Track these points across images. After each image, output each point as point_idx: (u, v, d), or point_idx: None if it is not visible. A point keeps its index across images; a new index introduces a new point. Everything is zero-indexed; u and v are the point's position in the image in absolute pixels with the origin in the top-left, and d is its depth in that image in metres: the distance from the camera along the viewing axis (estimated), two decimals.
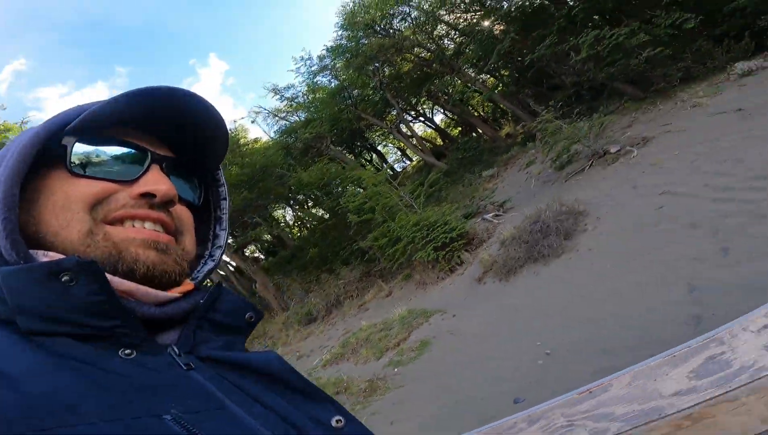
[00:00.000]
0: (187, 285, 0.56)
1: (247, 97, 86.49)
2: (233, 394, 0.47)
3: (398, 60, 20.45)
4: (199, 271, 0.63)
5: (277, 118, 23.02)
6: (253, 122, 23.61)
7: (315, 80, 22.07)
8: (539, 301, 6.26)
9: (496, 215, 10.47)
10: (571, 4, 14.35)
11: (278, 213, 22.04)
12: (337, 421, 0.51)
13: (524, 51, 15.18)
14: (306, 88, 22.69)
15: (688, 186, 6.26)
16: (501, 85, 21.83)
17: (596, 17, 14.84)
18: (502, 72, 21.12)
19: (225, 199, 0.67)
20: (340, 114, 21.57)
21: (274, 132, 24.31)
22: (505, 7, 15.97)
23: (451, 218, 9.87)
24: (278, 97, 22.82)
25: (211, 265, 0.64)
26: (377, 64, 19.75)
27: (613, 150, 9.65)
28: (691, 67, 12.25)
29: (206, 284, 0.63)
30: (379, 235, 11.27)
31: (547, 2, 15.28)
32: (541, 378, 4.52)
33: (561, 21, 13.83)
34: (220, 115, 0.57)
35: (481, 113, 26.22)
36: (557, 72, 16.03)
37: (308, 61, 21.45)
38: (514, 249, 7.79)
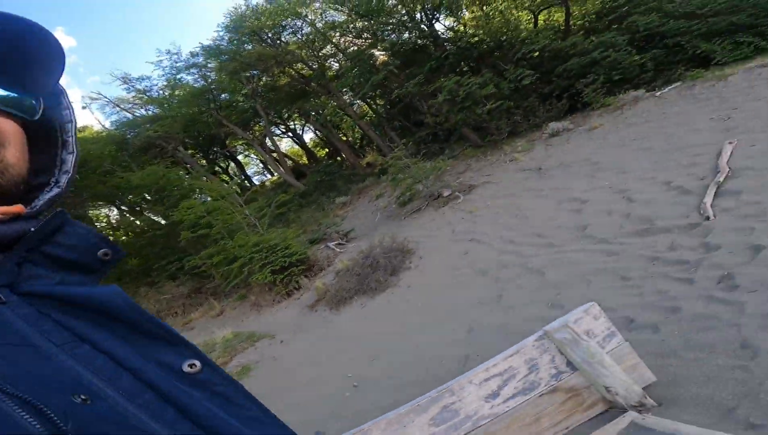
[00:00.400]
0: (15, 208, 0.49)
1: (89, 80, 75.30)
2: (56, 334, 0.43)
3: (277, 72, 20.01)
4: (39, 199, 0.56)
5: (119, 108, 20.23)
6: (84, 108, 20.23)
7: (178, 77, 20.17)
8: (359, 333, 6.53)
9: (339, 244, 10.70)
10: (448, 48, 15.61)
11: (100, 213, 19.04)
12: (190, 366, 0.47)
13: (396, 85, 16.09)
14: (165, 83, 20.56)
15: (487, 236, 7.27)
16: (374, 114, 22.91)
17: (463, 63, 16.20)
18: (378, 101, 22.22)
19: (71, 121, 0.62)
20: (199, 116, 20.00)
21: (111, 123, 21.34)
22: (393, 38, 16.82)
23: (293, 242, 9.77)
24: (127, 87, 20.19)
25: (56, 191, 0.57)
26: (255, 72, 19.01)
27: (445, 194, 10.77)
28: (518, 122, 13.56)
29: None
30: (214, 252, 10.53)
31: (429, 43, 16.44)
32: (345, 410, 4.66)
33: (433, 62, 14.95)
34: (47, 31, 0.56)
35: (349, 139, 27.07)
36: (422, 110, 17.21)
37: (175, 56, 19.68)
38: (346, 280, 8.05)
